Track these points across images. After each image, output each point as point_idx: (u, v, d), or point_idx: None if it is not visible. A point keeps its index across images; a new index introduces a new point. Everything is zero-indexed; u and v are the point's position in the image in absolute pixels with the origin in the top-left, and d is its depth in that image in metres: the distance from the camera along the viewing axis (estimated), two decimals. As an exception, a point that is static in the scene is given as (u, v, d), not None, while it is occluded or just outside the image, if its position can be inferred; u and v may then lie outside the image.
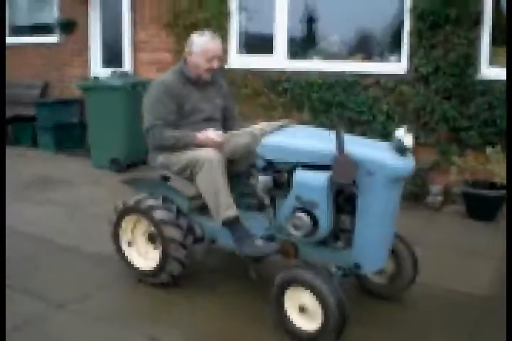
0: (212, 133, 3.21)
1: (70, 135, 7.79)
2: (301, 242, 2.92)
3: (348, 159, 2.57)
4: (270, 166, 2.99)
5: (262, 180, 2.98)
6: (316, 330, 2.66)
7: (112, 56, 7.71)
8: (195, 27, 6.31)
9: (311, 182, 2.69)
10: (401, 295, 3.26)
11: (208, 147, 3.17)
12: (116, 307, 3.29)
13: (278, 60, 6.16)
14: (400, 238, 3.11)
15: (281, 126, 3.21)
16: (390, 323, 3.06)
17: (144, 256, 3.48)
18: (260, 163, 3.05)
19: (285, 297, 2.77)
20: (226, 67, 6.37)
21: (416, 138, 5.28)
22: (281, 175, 2.95)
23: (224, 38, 6.28)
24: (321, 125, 5.65)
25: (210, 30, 6.07)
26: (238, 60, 6.40)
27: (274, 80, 6.01)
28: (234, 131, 3.43)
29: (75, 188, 5.82)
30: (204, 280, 3.56)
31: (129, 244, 3.50)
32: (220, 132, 3.25)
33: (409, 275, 3.14)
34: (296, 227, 2.76)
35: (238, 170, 3.31)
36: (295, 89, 5.89)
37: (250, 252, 3.03)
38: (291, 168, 2.85)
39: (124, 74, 6.37)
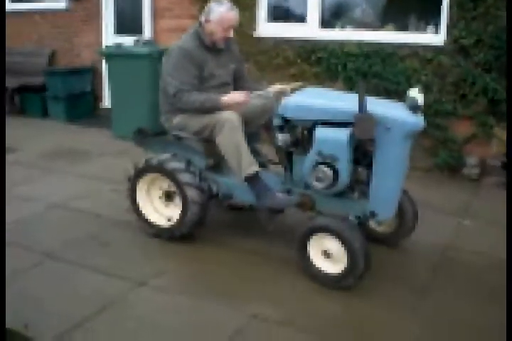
0: (237, 96, 3.33)
1: (81, 104, 7.56)
2: (318, 195, 3.16)
3: (370, 116, 2.81)
4: (287, 124, 3.20)
5: (281, 137, 3.23)
6: (340, 273, 2.99)
7: (127, 23, 7.43)
8: (223, -7, 6.13)
9: (333, 138, 2.94)
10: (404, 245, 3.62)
11: (232, 109, 3.31)
12: (195, 280, 3.24)
13: (310, 28, 6.03)
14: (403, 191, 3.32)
15: (299, 87, 3.41)
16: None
17: (160, 213, 3.67)
18: (277, 122, 3.26)
19: (310, 244, 3.08)
20: (255, 35, 6.21)
21: (454, 109, 5.31)
22: (299, 132, 3.17)
23: (253, 4, 6.14)
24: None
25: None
26: (268, 29, 6.23)
27: (308, 49, 5.88)
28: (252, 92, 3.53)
29: (106, 160, 5.66)
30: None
31: (146, 200, 3.66)
32: (243, 93, 3.36)
33: (410, 225, 3.50)
34: (318, 180, 3.00)
35: (250, 130, 3.46)
36: (330, 59, 5.78)
37: (272, 204, 3.25)
38: (311, 125, 3.08)
39: (148, 42, 6.15)
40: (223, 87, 3.58)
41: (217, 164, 3.62)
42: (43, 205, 4.31)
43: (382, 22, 5.98)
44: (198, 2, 6.40)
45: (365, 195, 3.09)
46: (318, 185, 3.02)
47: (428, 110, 5.38)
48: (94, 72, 7.64)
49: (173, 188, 3.53)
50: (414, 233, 3.63)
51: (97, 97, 7.72)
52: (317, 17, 5.98)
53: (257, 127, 3.64)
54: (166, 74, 3.46)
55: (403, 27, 5.81)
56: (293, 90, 3.38)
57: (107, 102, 7.73)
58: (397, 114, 2.92)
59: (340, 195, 3.11)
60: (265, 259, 3.46)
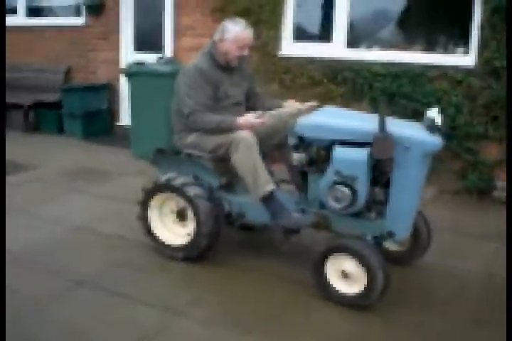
0: (252, 118, 3.33)
1: (97, 122, 7.45)
2: (334, 214, 3.14)
3: (389, 136, 2.81)
4: (303, 144, 3.20)
5: (297, 157, 3.22)
6: (358, 293, 2.98)
7: (146, 40, 7.35)
8: (247, 13, 6.07)
9: (352, 158, 2.93)
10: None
11: (246, 130, 3.31)
12: (227, 309, 3.10)
13: (336, 48, 5.94)
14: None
15: (315, 107, 3.46)
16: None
17: (174, 233, 3.63)
18: (293, 141, 3.28)
19: (327, 264, 3.06)
20: (279, 54, 6.13)
21: (485, 131, 5.21)
22: (314, 151, 3.16)
23: (278, 24, 6.06)
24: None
25: (264, 15, 5.99)
26: (293, 48, 6.15)
27: (334, 69, 5.79)
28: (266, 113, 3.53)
29: (126, 180, 5.53)
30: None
31: (158, 221, 3.64)
32: (258, 115, 3.37)
33: (425, 244, 3.50)
34: (336, 200, 2.98)
35: (262, 149, 3.41)
36: (357, 79, 5.69)
37: (287, 224, 3.24)
38: (328, 145, 3.07)
39: (170, 61, 6.05)
40: (237, 107, 3.60)
41: (230, 183, 3.61)
42: (65, 227, 4.17)
43: (409, 42, 5.93)
44: (221, 20, 6.32)
45: (381, 214, 3.08)
46: (336, 205, 3.00)
47: (458, 132, 5.28)
48: (110, 90, 7.54)
49: (184, 205, 3.49)
50: (440, 256, 3.64)
51: (113, 115, 7.61)
52: (343, 36, 5.90)
53: (269, 147, 3.61)
54: (181, 93, 3.45)
55: (431, 47, 5.75)
56: (309, 110, 3.42)
57: (123, 120, 7.62)
58: (415, 133, 2.93)
59: (357, 214, 3.10)
60: (289, 282, 3.38)
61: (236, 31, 3.40)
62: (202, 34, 6.42)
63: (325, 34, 6.07)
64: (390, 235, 3.05)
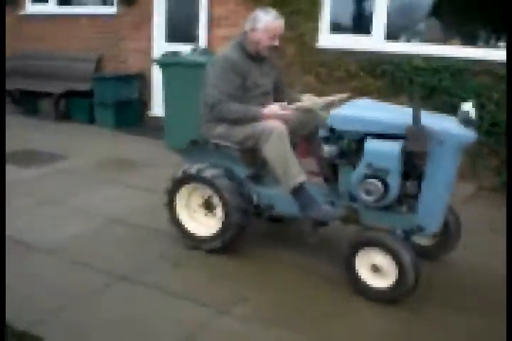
0: (277, 108, 3.29)
1: (129, 112, 7.41)
2: (364, 208, 3.10)
3: (424, 129, 2.78)
4: (334, 136, 3.16)
5: (328, 149, 3.18)
6: (389, 287, 2.95)
7: (179, 31, 7.27)
8: (283, 3, 5.96)
9: (385, 151, 2.89)
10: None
11: (272, 120, 3.26)
12: (279, 309, 3.02)
13: (375, 40, 5.81)
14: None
15: (346, 99, 3.40)
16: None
17: (200, 223, 3.61)
18: (323, 133, 3.25)
19: (357, 257, 3.03)
20: (317, 46, 6.01)
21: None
22: (346, 144, 3.11)
23: (315, 14, 5.94)
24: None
25: (301, 6, 5.87)
26: (330, 40, 6.02)
27: (372, 62, 5.66)
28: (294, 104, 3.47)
29: (159, 171, 5.41)
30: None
31: (185, 211, 3.62)
32: (285, 105, 3.32)
33: (454, 240, 3.45)
34: (368, 193, 2.94)
35: (291, 141, 3.37)
36: (396, 73, 5.55)
37: (317, 217, 3.21)
38: (360, 137, 3.02)
39: (205, 51, 5.96)
40: (265, 96, 3.58)
41: (258, 174, 3.57)
42: (101, 219, 4.13)
43: (448, 35, 5.76)
44: (251, 8, 6.21)
45: (412, 208, 3.04)
46: (367, 198, 2.97)
47: (498, 129, 5.14)
48: (141, 79, 7.49)
49: (212, 197, 3.49)
50: (470, 252, 3.62)
51: (144, 105, 7.57)
52: (383, 29, 5.76)
53: (298, 138, 3.59)
54: (208, 83, 3.42)
55: (471, 41, 5.59)
56: (340, 101, 3.38)
57: (154, 110, 7.57)
58: (450, 127, 2.89)
59: (387, 208, 3.05)
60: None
61: (267, 20, 3.37)
62: (235, 24, 6.31)
63: (363, 26, 5.94)
64: (420, 229, 3.02)
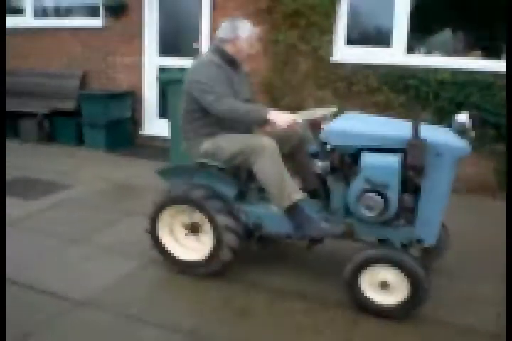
0: (287, 116, 3.10)
1: (121, 132, 6.91)
2: (360, 223, 3.04)
3: (423, 142, 2.73)
4: (326, 151, 3.11)
5: (321, 164, 3.14)
6: (398, 304, 2.92)
7: (173, 43, 6.83)
8: (297, 15, 5.65)
9: (384, 165, 2.84)
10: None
11: (278, 126, 3.10)
12: None
13: (395, 53, 5.55)
14: None
15: (333, 113, 3.31)
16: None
17: (186, 248, 3.45)
18: (315, 149, 3.24)
19: (362, 275, 2.96)
20: (332, 60, 5.70)
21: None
22: (338, 159, 3.03)
23: (330, 27, 5.65)
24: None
25: (315, 18, 5.55)
26: (346, 53, 5.73)
27: (394, 76, 5.40)
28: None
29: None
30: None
31: (169, 235, 3.46)
32: (294, 115, 3.15)
33: (444, 248, 3.45)
34: (368, 208, 2.88)
35: None
36: (421, 87, 5.31)
37: (317, 235, 3.13)
38: (354, 152, 2.96)
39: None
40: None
41: (244, 193, 3.40)
42: (136, 261, 3.65)
43: (470, 48, 5.56)
44: (267, 22, 5.88)
45: (409, 221, 2.98)
46: (367, 214, 2.90)
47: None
48: (132, 97, 7.01)
49: (199, 219, 3.33)
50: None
51: (136, 124, 7.08)
52: (403, 41, 5.51)
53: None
54: (198, 88, 3.22)
55: (493, 53, 5.39)
56: (326, 116, 3.27)
57: (146, 130, 7.10)
58: (447, 139, 2.86)
59: (385, 222, 2.99)
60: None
61: (249, 29, 3.33)
62: (243, 37, 5.93)
63: (380, 38, 5.67)
64: (419, 242, 3.01)
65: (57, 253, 3.74)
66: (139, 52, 6.95)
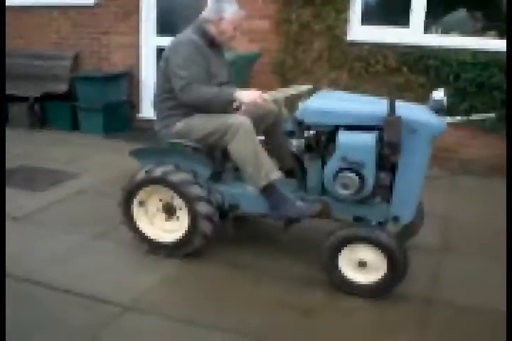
0: (255, 94, 3.09)
1: (118, 116, 6.58)
2: (335, 201, 3.04)
3: (399, 120, 2.71)
4: (301, 130, 3.07)
5: (296, 143, 3.11)
6: (377, 281, 2.90)
7: (174, 22, 6.47)
8: (308, -10, 5.39)
9: (360, 143, 2.82)
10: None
11: (247, 106, 3.14)
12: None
13: (413, 33, 5.37)
14: None
15: (309, 91, 3.28)
16: None
17: (159, 228, 3.40)
18: (291, 127, 3.19)
19: (340, 255, 2.93)
20: (347, 39, 5.49)
21: None
22: (314, 137, 3.01)
23: (346, 5, 5.42)
24: (472, 108, 5.07)
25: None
26: (362, 32, 5.51)
27: (415, 57, 5.22)
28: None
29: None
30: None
31: (141, 215, 3.39)
32: (262, 93, 3.12)
33: (416, 227, 3.44)
34: (344, 187, 2.87)
35: None
36: (442, 68, 5.15)
37: (292, 214, 3.09)
38: (330, 130, 2.94)
39: (229, 47, 5.26)
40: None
41: (217, 172, 3.37)
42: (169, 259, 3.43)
43: (487, 28, 5.42)
44: (274, 1, 5.61)
45: (386, 199, 2.99)
46: (344, 192, 2.89)
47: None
48: (129, 79, 6.67)
49: (175, 201, 3.28)
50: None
51: (133, 107, 6.75)
52: (422, 20, 5.33)
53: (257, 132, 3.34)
54: (174, 66, 3.17)
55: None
56: (303, 94, 3.26)
57: (144, 112, 6.78)
58: (422, 116, 2.86)
59: (361, 200, 2.99)
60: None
61: (234, 11, 3.26)
62: (251, 16, 5.58)
63: (398, 17, 5.47)
64: (395, 220, 3.00)
65: (86, 251, 3.49)
66: (135, 31, 6.59)
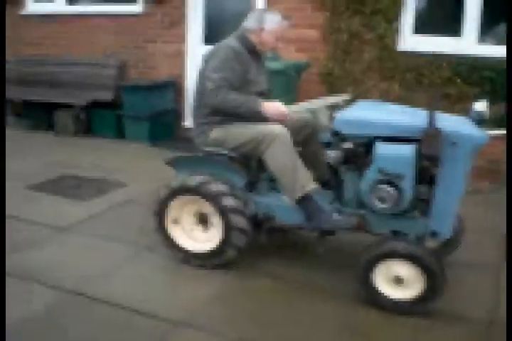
0: (281, 107, 3.06)
1: (164, 124, 6.58)
2: (373, 214, 2.95)
3: (438, 132, 2.65)
4: (338, 140, 3.04)
5: (333, 154, 3.04)
6: (413, 298, 2.81)
7: (220, 31, 6.43)
8: (361, 1, 5.30)
9: (398, 155, 2.75)
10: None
11: (271, 118, 3.07)
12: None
13: (467, 43, 5.21)
14: None
15: (349, 101, 3.25)
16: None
17: (192, 238, 3.36)
18: (327, 138, 3.18)
19: (376, 270, 2.84)
20: (399, 49, 5.36)
21: None
22: (351, 149, 2.96)
23: (398, 13, 5.30)
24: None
25: (381, 5, 5.21)
26: (414, 42, 5.38)
27: (469, 67, 5.06)
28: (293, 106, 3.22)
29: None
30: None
31: (175, 224, 3.36)
32: (284, 106, 3.09)
33: (457, 242, 3.32)
34: (381, 200, 2.80)
35: None
36: (498, 80, 4.97)
37: (328, 226, 3.03)
38: (368, 141, 2.88)
39: (276, 56, 5.23)
40: (261, 96, 3.28)
41: (253, 182, 3.31)
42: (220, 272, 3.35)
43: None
44: (325, 8, 5.52)
45: (424, 213, 2.90)
46: (380, 206, 2.82)
47: None
48: (175, 87, 6.67)
49: (209, 211, 3.23)
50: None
51: (179, 115, 6.75)
52: (475, 30, 5.17)
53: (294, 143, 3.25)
54: (209, 69, 3.16)
55: None
56: (341, 104, 3.25)
57: (189, 121, 6.75)
58: (463, 128, 2.78)
59: (399, 214, 2.90)
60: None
61: (277, 23, 3.24)
62: (298, 25, 5.54)
63: (449, 27, 5.31)
64: (434, 235, 2.90)
65: (137, 265, 3.43)
66: (181, 40, 6.59)
